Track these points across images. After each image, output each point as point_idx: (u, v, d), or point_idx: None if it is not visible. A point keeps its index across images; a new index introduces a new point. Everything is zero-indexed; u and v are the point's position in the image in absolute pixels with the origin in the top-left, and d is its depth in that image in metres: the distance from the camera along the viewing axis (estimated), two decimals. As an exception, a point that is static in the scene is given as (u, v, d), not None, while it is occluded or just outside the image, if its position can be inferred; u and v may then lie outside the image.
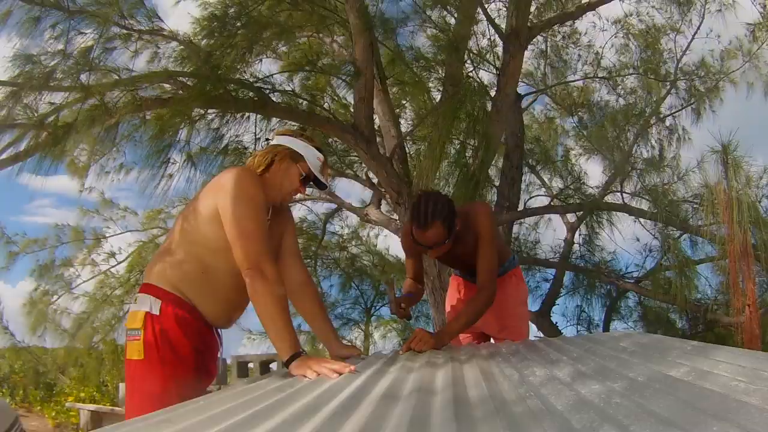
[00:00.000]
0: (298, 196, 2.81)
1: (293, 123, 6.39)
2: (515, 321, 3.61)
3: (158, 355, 2.32)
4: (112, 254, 8.46)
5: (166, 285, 2.41)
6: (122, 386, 8.84)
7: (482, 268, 3.15)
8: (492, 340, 3.73)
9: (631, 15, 8.70)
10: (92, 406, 9.89)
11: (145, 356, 2.33)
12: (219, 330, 2.60)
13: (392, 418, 1.36)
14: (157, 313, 2.36)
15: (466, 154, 5.85)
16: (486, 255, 3.16)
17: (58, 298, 8.66)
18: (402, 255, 8.82)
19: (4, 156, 6.19)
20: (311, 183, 2.67)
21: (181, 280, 2.41)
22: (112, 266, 8.41)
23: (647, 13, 8.69)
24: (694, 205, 7.60)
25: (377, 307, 9.62)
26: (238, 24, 6.17)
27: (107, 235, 8.62)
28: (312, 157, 2.59)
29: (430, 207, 3.03)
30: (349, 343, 3.01)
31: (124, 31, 5.98)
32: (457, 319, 3.17)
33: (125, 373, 2.46)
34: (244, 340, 9.99)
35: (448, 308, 3.93)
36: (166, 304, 2.38)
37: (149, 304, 2.38)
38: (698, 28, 8.36)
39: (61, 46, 5.70)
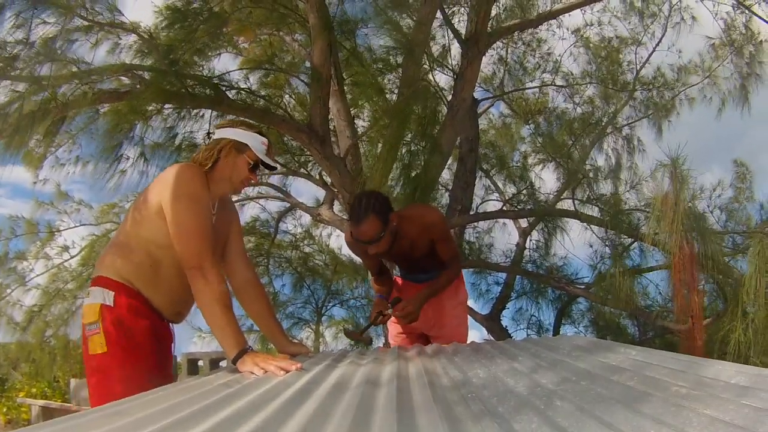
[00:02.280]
0: (253, 190, 2.83)
1: (249, 121, 6.37)
2: (452, 320, 3.68)
3: (119, 344, 2.32)
4: (66, 248, 8.35)
5: (116, 276, 2.41)
6: (74, 381, 8.74)
7: (447, 255, 3.42)
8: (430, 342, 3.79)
9: (591, 25, 8.84)
10: (43, 402, 9.73)
11: (108, 349, 2.33)
12: (171, 325, 2.61)
13: (339, 407, 1.40)
14: (111, 304, 2.36)
15: (421, 157, 5.89)
16: (448, 246, 3.43)
17: (12, 292, 8.53)
18: (354, 256, 8.87)
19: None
20: (260, 168, 2.69)
21: (131, 273, 2.41)
22: (66, 260, 8.30)
23: (609, 22, 8.84)
24: (647, 214, 7.75)
25: (328, 307, 9.65)
26: (200, 18, 6.15)
27: (61, 228, 8.49)
28: (256, 143, 2.60)
29: (363, 203, 3.14)
30: (298, 342, 3.03)
31: (85, 23, 5.92)
32: (429, 286, 3.40)
33: (87, 370, 2.43)
34: (194, 338, 9.91)
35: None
36: (119, 294, 2.38)
37: (102, 296, 2.38)
38: (659, 40, 8.53)
39: (23, 35, 5.63)
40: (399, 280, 3.87)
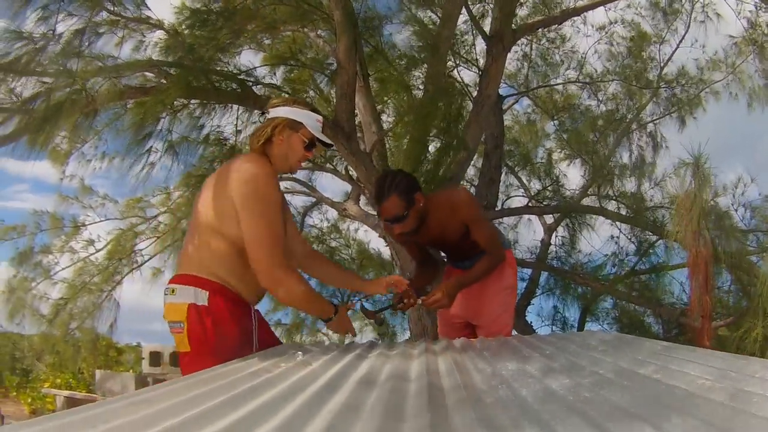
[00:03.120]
0: None
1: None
2: (494, 307, 3.55)
3: (211, 347, 2.33)
4: (91, 242, 8.43)
5: (207, 274, 2.42)
6: (99, 373, 8.87)
7: (483, 239, 3.32)
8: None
9: (616, 22, 8.79)
10: (68, 393, 9.88)
11: (192, 348, 2.36)
12: (255, 311, 2.63)
13: (368, 403, 1.38)
14: (205, 304, 2.36)
15: (449, 153, 5.89)
16: (481, 229, 3.33)
17: (37, 285, 8.63)
18: (382, 249, 8.90)
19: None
20: (316, 146, 2.68)
21: (220, 266, 2.42)
22: (91, 254, 8.38)
23: (632, 21, 8.79)
24: (671, 211, 7.71)
25: (354, 302, 9.64)
26: (221, 20, 6.18)
27: (86, 222, 8.58)
28: (311, 120, 2.59)
29: (387, 181, 3.15)
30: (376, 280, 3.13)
31: (112, 17, 5.97)
32: (466, 274, 3.35)
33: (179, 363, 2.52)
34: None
35: None
36: (214, 294, 2.38)
37: (193, 295, 2.37)
38: (683, 37, 8.45)
39: (48, 28, 5.69)
40: (449, 272, 3.78)
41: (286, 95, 6.71)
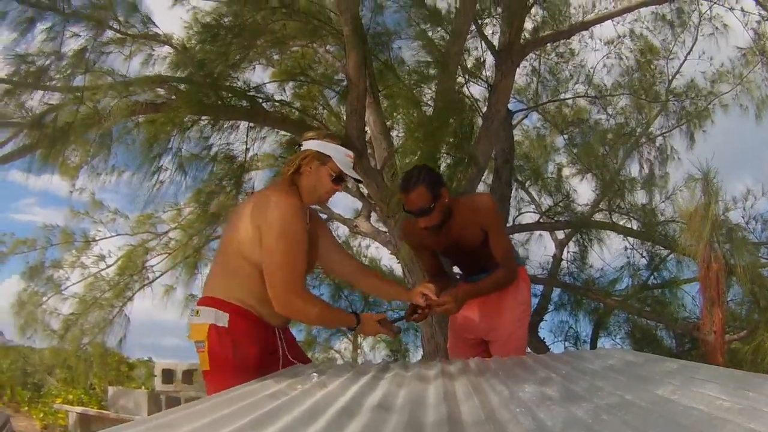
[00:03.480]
0: None
1: (285, 132, 6.43)
2: (510, 322, 3.50)
3: (231, 367, 2.45)
4: (102, 257, 8.45)
5: (229, 297, 2.54)
6: (111, 389, 8.86)
7: (499, 251, 3.32)
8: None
9: (624, 36, 8.77)
10: (80, 409, 9.88)
11: (211, 367, 2.48)
12: (281, 332, 2.71)
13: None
14: (225, 326, 2.48)
15: (460, 169, 5.88)
16: (499, 239, 3.34)
17: (48, 299, 8.64)
18: (394, 266, 8.85)
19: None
20: (345, 181, 2.81)
21: (243, 290, 2.54)
22: (102, 269, 8.40)
23: (640, 34, 8.77)
24: (682, 225, 7.67)
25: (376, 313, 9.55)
26: (230, 36, 6.21)
27: (97, 237, 8.60)
28: (339, 155, 2.69)
29: (415, 174, 3.22)
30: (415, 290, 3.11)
31: (119, 35, 6.01)
32: (478, 284, 3.36)
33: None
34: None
35: (453, 319, 3.78)
36: (234, 316, 2.50)
37: (214, 317, 2.49)
38: (690, 49, 8.42)
39: (55, 48, 5.73)
40: (464, 285, 3.74)
41: (307, 119, 6.71)
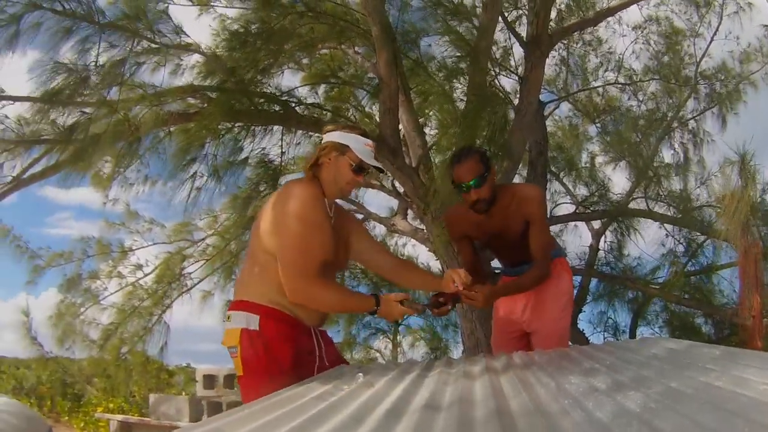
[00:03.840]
0: None
1: (319, 135, 6.41)
2: (553, 313, 3.50)
3: (264, 371, 2.40)
4: (139, 266, 8.52)
5: (260, 299, 2.48)
6: (153, 397, 8.91)
7: (536, 246, 3.32)
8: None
9: (650, 19, 8.68)
10: (122, 417, 9.97)
11: (244, 372, 2.43)
12: (318, 331, 2.66)
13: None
14: (257, 329, 2.42)
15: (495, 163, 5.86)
16: (541, 232, 3.33)
17: (86, 310, 8.73)
18: (431, 263, 8.83)
19: (32, 171, 6.32)
20: (367, 171, 2.72)
21: (274, 290, 2.46)
22: (139, 278, 8.47)
23: (666, 18, 8.68)
24: (718, 210, 7.59)
25: (405, 317, 9.59)
26: (259, 42, 6.23)
27: (134, 247, 8.67)
28: (358, 144, 2.62)
29: (465, 149, 3.33)
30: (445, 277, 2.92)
31: (153, 46, 6.05)
32: (508, 284, 3.44)
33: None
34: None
35: (496, 312, 3.80)
36: (265, 318, 2.44)
37: (245, 321, 2.44)
38: (716, 30, 8.32)
39: (90, 59, 5.77)
40: (505, 282, 3.75)
41: (339, 119, 6.72)
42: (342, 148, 2.60)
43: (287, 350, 2.44)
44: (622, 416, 1.28)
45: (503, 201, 3.29)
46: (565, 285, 3.59)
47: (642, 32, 8.60)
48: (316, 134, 6.43)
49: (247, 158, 6.69)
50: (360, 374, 2.19)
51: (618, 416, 1.28)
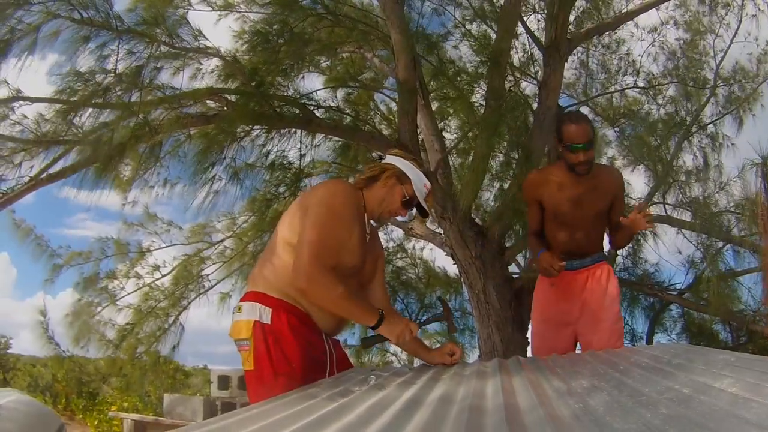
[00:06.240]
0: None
1: (338, 138, 6.45)
2: (610, 315, 3.54)
3: (272, 366, 2.34)
4: (157, 267, 8.55)
5: (273, 291, 2.42)
6: (168, 397, 8.97)
7: (617, 219, 3.51)
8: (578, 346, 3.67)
9: (668, 23, 8.65)
10: (136, 416, 10.03)
11: (255, 367, 2.37)
12: (330, 340, 2.59)
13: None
14: (269, 322, 2.36)
15: (511, 168, 5.86)
16: (621, 208, 3.60)
17: (102, 310, 8.77)
18: (448, 267, 8.81)
19: (51, 171, 6.36)
20: (413, 208, 2.70)
21: (289, 285, 2.39)
22: (157, 279, 8.50)
23: (685, 21, 8.64)
24: (737, 215, 7.54)
25: (422, 320, 9.52)
26: (281, 41, 6.25)
27: (151, 248, 8.69)
28: (419, 181, 2.62)
29: (576, 112, 3.71)
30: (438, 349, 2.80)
31: (172, 51, 6.07)
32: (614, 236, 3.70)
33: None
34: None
35: (535, 312, 3.82)
36: (277, 311, 2.39)
37: (258, 313, 2.38)
38: (735, 32, 8.27)
39: (110, 66, 5.79)
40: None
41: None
42: (403, 178, 2.60)
43: (297, 347, 2.37)
44: (624, 415, 1.30)
45: (599, 174, 3.48)
46: (613, 288, 3.64)
47: (659, 35, 8.56)
48: (335, 138, 6.46)
49: (267, 161, 6.72)
50: (372, 376, 2.21)
51: (630, 423, 1.28)
